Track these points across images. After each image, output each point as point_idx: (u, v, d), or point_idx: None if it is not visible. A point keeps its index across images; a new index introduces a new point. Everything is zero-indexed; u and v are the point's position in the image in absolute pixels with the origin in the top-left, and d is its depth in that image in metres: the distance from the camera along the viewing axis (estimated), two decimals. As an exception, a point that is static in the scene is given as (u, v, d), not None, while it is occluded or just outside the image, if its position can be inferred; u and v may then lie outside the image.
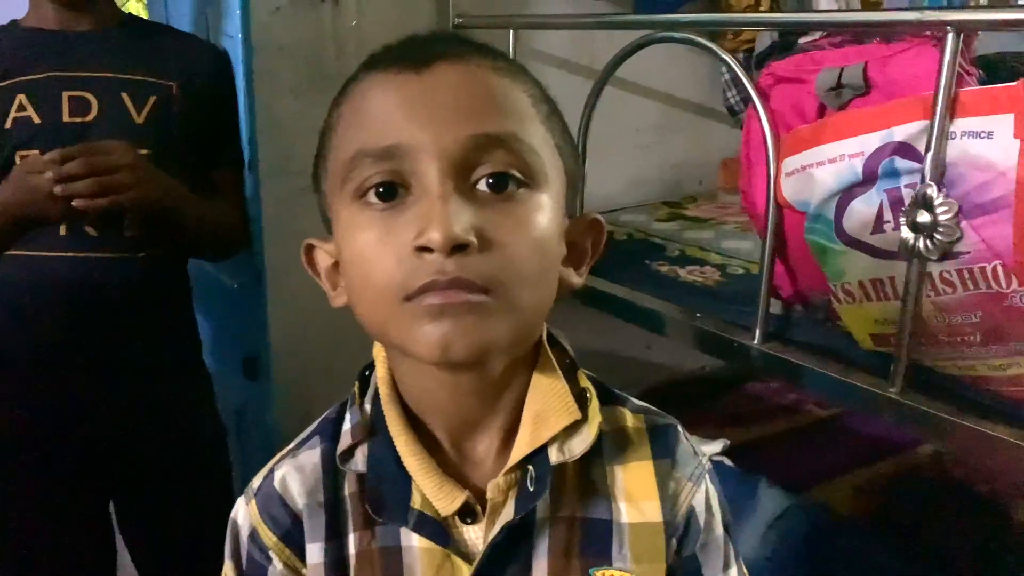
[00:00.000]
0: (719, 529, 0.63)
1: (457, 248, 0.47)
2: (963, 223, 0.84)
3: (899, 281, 0.91)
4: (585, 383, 0.60)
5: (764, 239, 1.04)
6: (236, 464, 1.35)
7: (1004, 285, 0.83)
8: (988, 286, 0.84)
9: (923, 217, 0.85)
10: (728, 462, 1.18)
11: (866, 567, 1.07)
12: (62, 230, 1.08)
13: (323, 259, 0.59)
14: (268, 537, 0.59)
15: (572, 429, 0.57)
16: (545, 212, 0.52)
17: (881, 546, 1.08)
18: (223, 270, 1.48)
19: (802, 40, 1.45)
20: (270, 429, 1.42)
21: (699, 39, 1.11)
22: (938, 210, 0.84)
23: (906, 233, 0.87)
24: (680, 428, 0.63)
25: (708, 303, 1.22)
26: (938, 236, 0.85)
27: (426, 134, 0.49)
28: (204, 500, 1.25)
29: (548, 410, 0.57)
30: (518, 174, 0.51)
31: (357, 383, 0.62)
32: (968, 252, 0.85)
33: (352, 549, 0.58)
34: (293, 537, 0.59)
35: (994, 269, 0.83)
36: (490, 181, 0.50)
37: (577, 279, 0.58)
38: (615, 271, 1.36)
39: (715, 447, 1.18)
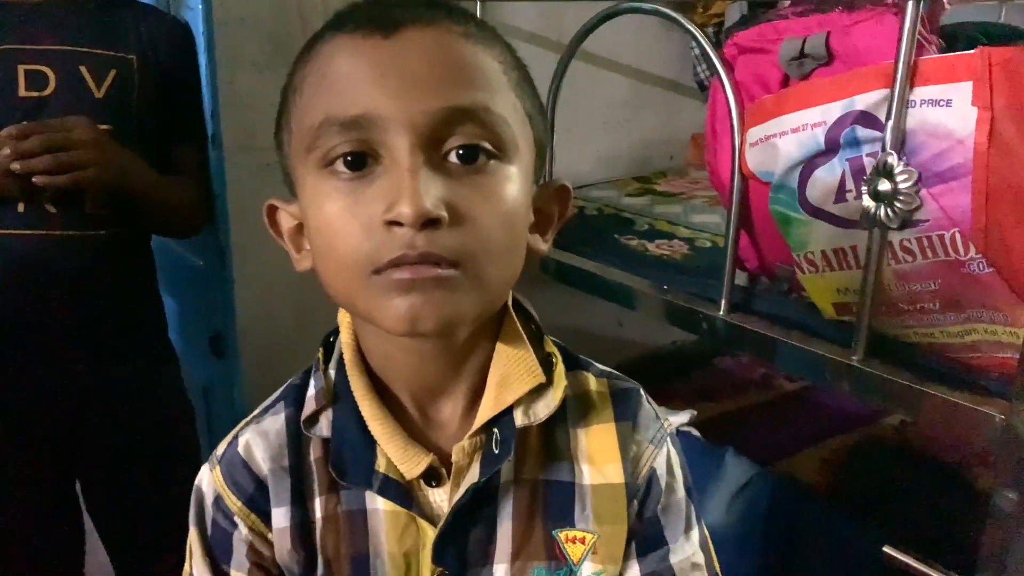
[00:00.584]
0: (680, 492, 0.63)
1: (428, 223, 0.47)
2: (923, 191, 0.84)
3: (860, 250, 0.91)
4: (551, 348, 0.61)
5: (729, 210, 1.05)
6: (203, 442, 1.34)
7: (962, 253, 0.84)
8: (946, 254, 0.85)
9: (884, 186, 0.86)
10: (695, 433, 1.19)
11: (830, 535, 1.08)
12: (20, 207, 1.06)
13: (286, 220, 0.58)
14: (233, 503, 0.59)
15: (537, 393, 0.58)
16: (515, 183, 0.52)
17: (845, 514, 1.09)
18: (188, 247, 1.46)
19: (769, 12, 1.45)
20: (237, 406, 1.42)
21: (666, 10, 1.10)
22: (898, 179, 0.85)
23: (867, 202, 0.87)
24: (642, 392, 0.64)
25: (676, 276, 1.22)
26: (898, 204, 0.85)
27: (395, 105, 0.48)
28: (171, 478, 1.23)
29: (512, 374, 0.57)
30: (488, 146, 0.50)
31: (321, 349, 0.62)
32: (927, 220, 0.85)
33: (318, 513, 0.58)
34: (257, 502, 0.59)
35: (952, 237, 0.84)
36: (460, 152, 0.50)
37: (544, 246, 0.58)
38: (585, 246, 1.36)
39: (682, 418, 1.18)
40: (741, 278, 1.13)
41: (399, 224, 0.47)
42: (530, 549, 0.58)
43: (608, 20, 1.16)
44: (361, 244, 0.48)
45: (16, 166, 0.99)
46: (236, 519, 0.59)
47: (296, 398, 0.61)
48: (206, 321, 1.45)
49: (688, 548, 0.62)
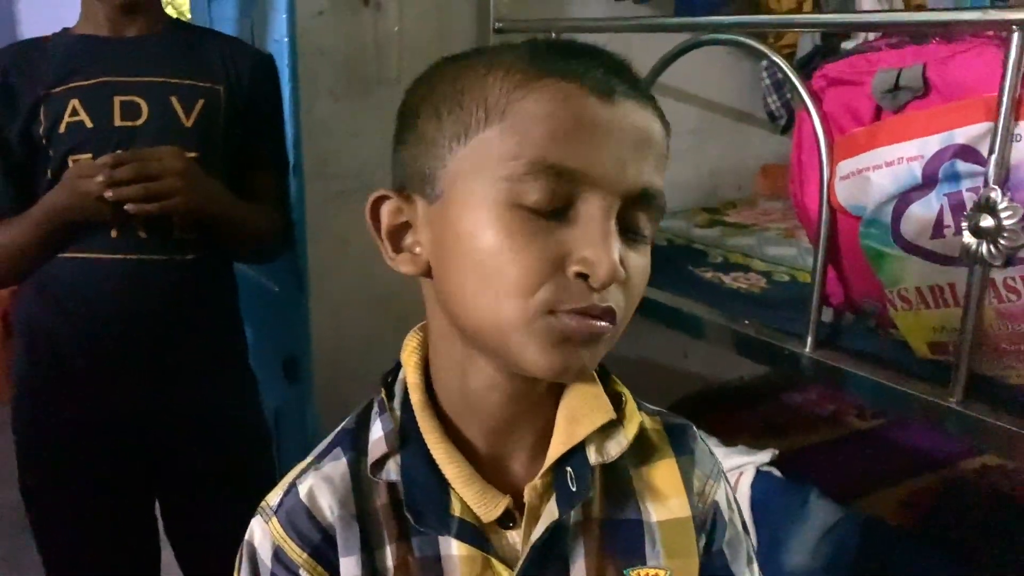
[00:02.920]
0: (739, 525, 0.64)
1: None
2: (1029, 228, 0.82)
3: (959, 287, 0.89)
4: (620, 387, 0.61)
5: (816, 244, 1.02)
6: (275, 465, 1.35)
7: (1072, 292, 0.81)
8: (1055, 293, 0.82)
9: (986, 221, 0.83)
10: (777, 472, 1.16)
11: (920, 580, 1.04)
12: (114, 233, 1.09)
13: (391, 217, 0.56)
14: (297, 555, 0.56)
15: (607, 432, 0.58)
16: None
17: (935, 559, 1.05)
18: (265, 273, 1.48)
19: (848, 44, 1.43)
20: (309, 431, 1.43)
21: (750, 41, 1.09)
22: (1002, 214, 0.82)
23: (968, 238, 0.85)
24: (694, 428, 0.65)
25: (755, 310, 1.20)
26: (1002, 241, 0.82)
27: (612, 170, 0.50)
28: (248, 501, 1.24)
29: (582, 409, 0.57)
30: (652, 221, 0.53)
31: (383, 390, 0.60)
32: (1034, 258, 0.82)
33: (389, 562, 0.56)
34: (323, 553, 0.56)
35: (1062, 275, 0.81)
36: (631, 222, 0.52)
37: None
38: (656, 276, 1.34)
39: (764, 457, 1.15)
40: (825, 313, 1.10)
41: (585, 277, 0.49)
42: None
43: (689, 51, 1.16)
44: (540, 282, 0.49)
45: (109, 194, 1.02)
46: (302, 572, 0.56)
47: (353, 442, 0.59)
48: (280, 345, 1.46)
49: None
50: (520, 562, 0.55)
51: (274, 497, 0.59)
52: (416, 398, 0.58)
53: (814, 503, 1.05)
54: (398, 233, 0.56)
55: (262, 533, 0.58)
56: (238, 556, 0.59)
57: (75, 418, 1.13)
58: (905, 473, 1.56)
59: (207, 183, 1.11)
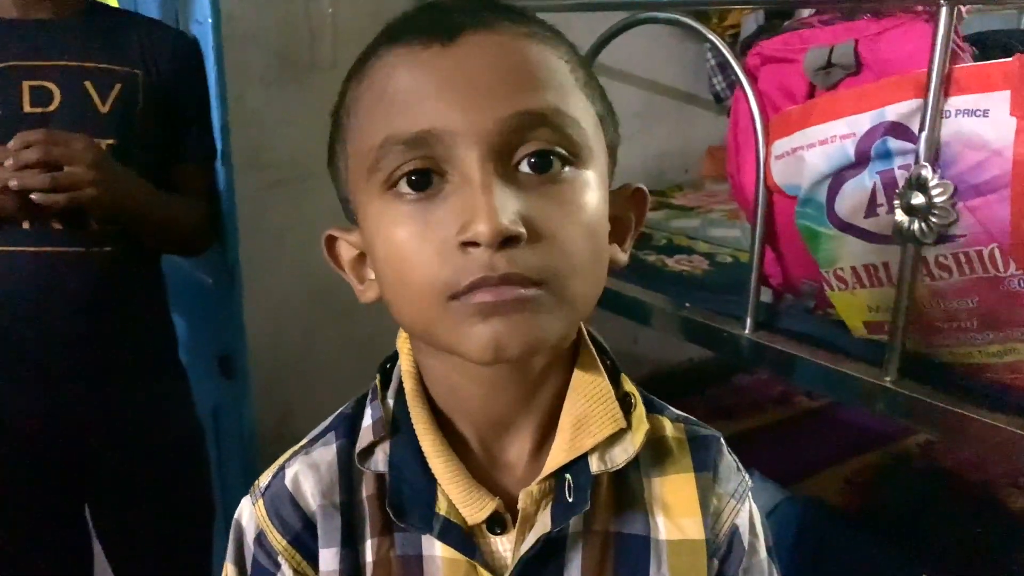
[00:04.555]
0: (763, 552, 0.59)
1: (506, 241, 0.43)
2: (959, 205, 0.81)
3: (893, 266, 0.88)
4: (629, 387, 0.57)
5: (753, 225, 1.01)
6: (212, 464, 1.31)
7: (1001, 269, 0.81)
8: (985, 270, 0.82)
9: (917, 199, 0.82)
10: (718, 455, 1.15)
11: (859, 560, 1.04)
12: (26, 224, 1.04)
13: (346, 251, 0.54)
14: (277, 541, 0.55)
15: (614, 436, 0.53)
16: (593, 191, 0.48)
17: (874, 538, 1.06)
18: (197, 265, 1.43)
19: (787, 23, 1.42)
20: (246, 428, 1.38)
21: (686, 20, 1.08)
22: (933, 192, 0.81)
23: (900, 216, 0.84)
24: (722, 440, 0.60)
25: (697, 293, 1.19)
26: (933, 219, 0.82)
27: (461, 116, 0.44)
28: (181, 502, 1.21)
29: (590, 415, 0.53)
30: (562, 151, 0.46)
31: (378, 376, 0.58)
32: (964, 235, 0.82)
33: (369, 556, 0.54)
34: (304, 541, 0.55)
35: (991, 252, 0.81)
36: (532, 161, 0.46)
37: (623, 256, 0.54)
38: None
39: (705, 440, 1.14)
40: (765, 294, 1.10)
41: (475, 245, 0.43)
42: None
43: (626, 30, 1.13)
44: (436, 270, 0.45)
45: (13, 183, 0.97)
46: (280, 559, 0.55)
47: (348, 429, 0.56)
48: (215, 341, 1.42)
49: None
50: (508, 573, 0.52)
51: (265, 478, 0.57)
52: (409, 386, 0.55)
53: (755, 486, 1.04)
54: (359, 265, 0.54)
55: (249, 514, 0.57)
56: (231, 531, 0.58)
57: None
58: (852, 450, 1.58)
59: (122, 174, 1.06)
